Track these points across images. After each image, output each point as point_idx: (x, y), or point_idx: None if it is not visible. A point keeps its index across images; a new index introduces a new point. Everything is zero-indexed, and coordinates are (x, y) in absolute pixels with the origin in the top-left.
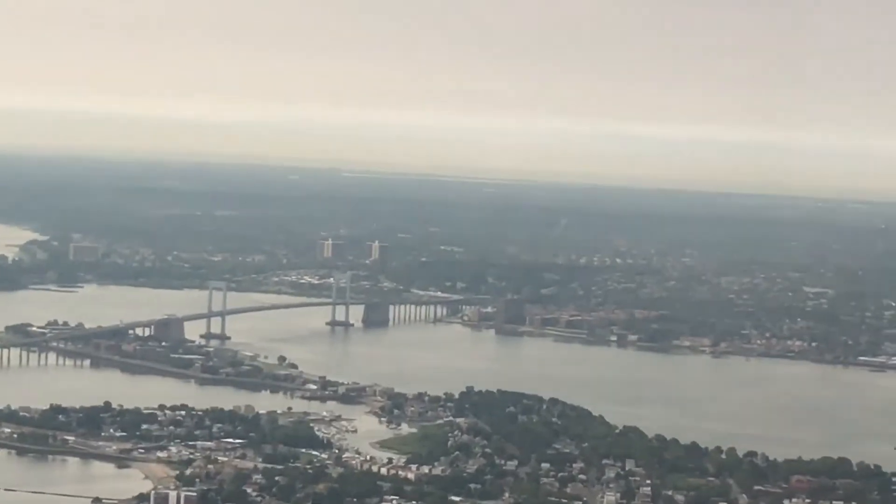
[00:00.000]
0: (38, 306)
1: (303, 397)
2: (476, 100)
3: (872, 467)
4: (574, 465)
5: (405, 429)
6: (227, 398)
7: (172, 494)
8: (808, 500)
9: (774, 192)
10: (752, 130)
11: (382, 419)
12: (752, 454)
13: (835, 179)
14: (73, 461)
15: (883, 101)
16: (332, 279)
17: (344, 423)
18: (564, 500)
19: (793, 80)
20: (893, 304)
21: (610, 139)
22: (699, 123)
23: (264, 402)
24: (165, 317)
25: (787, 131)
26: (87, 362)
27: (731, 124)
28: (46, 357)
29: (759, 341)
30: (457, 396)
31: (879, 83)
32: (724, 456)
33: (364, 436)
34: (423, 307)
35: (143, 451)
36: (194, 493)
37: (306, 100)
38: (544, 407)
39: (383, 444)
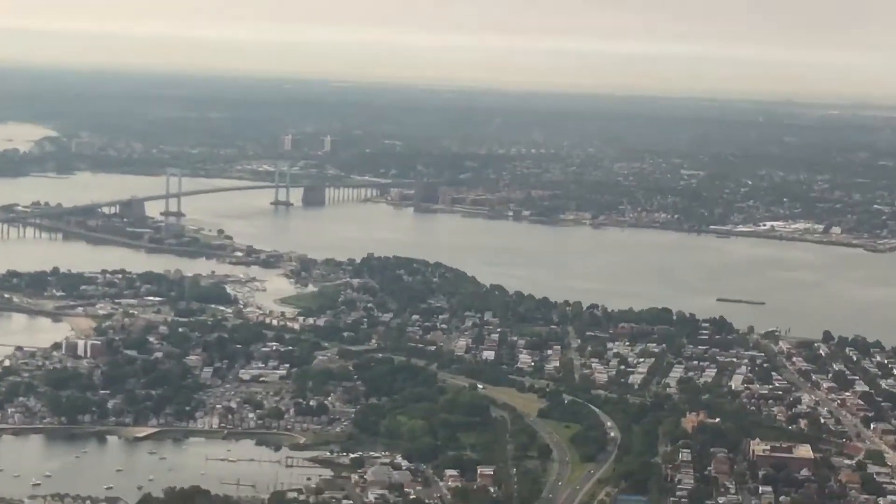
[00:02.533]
0: (31, 190)
1: (230, 262)
2: (446, 22)
3: (688, 315)
4: (440, 317)
5: (309, 288)
6: (167, 264)
7: (81, 343)
8: (627, 343)
9: (671, 94)
10: (655, 44)
11: (292, 280)
12: (593, 306)
13: (724, 82)
14: (18, 316)
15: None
16: (285, 167)
17: (256, 283)
18: (421, 345)
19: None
20: (749, 183)
21: (549, 54)
22: (617, 39)
23: (198, 267)
24: (129, 197)
25: (682, 43)
26: (59, 236)
27: (638, 40)
28: (25, 231)
29: (631, 214)
30: (358, 261)
31: None
32: (569, 308)
33: (271, 294)
34: (357, 190)
35: (78, 307)
36: (99, 342)
37: (303, 19)
38: (428, 270)
39: (284, 301)
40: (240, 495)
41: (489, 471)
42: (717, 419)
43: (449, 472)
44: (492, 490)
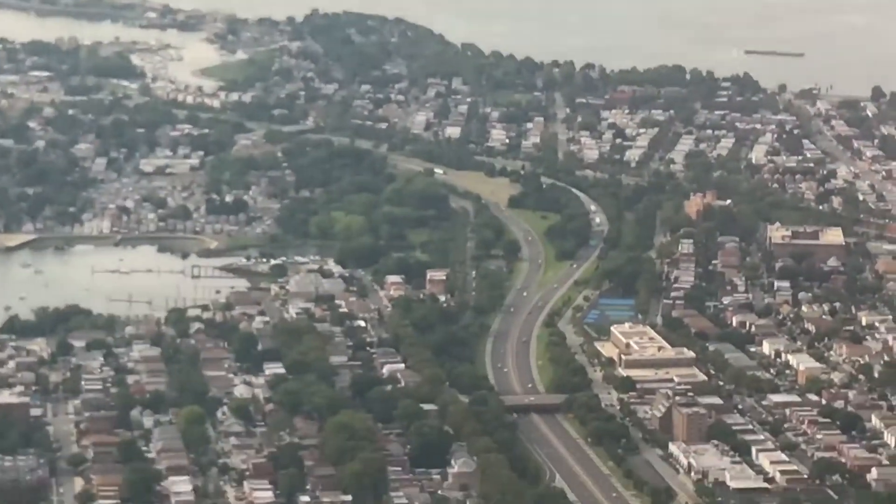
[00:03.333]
0: None
1: (140, 26)
2: None
3: (705, 74)
4: (396, 87)
5: (237, 56)
6: (61, 30)
7: None
8: (626, 111)
9: None
10: None
11: (216, 46)
12: (588, 67)
13: None
14: None
15: None
16: None
17: (171, 51)
18: (370, 122)
19: None
20: None
21: None
22: None
23: (99, 33)
24: None
25: None
26: None
27: None
28: None
29: None
30: (299, 20)
31: None
32: (557, 70)
33: (189, 64)
34: None
35: None
36: None
37: None
38: (386, 27)
39: (206, 73)
40: (130, 314)
41: (441, 276)
42: (729, 201)
43: (391, 278)
44: (442, 299)
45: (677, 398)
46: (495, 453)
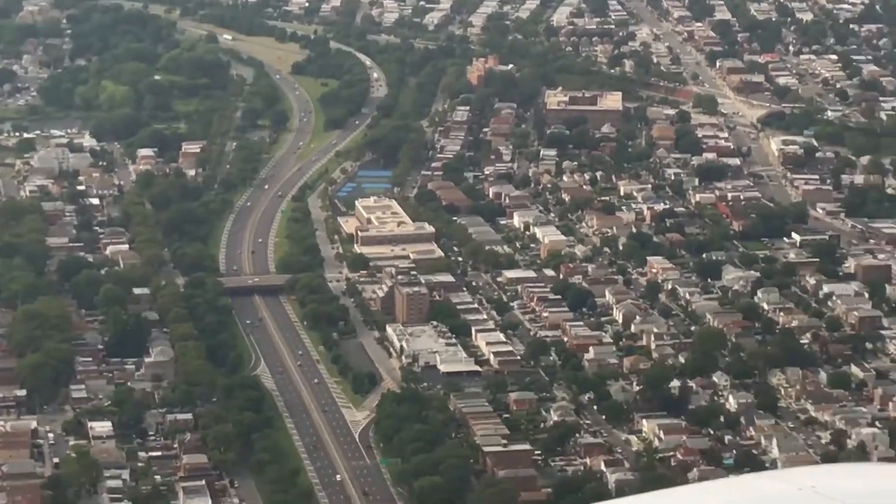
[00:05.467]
0: None
1: None
2: None
3: None
4: None
5: None
6: None
7: None
8: None
9: None
10: None
11: None
12: None
13: None
14: None
15: None
16: None
17: None
18: None
19: None
20: None
21: None
22: None
23: None
24: None
25: None
26: None
27: None
28: None
29: None
30: None
31: None
32: None
33: None
34: None
35: None
36: None
37: None
38: None
39: None
40: None
41: (195, 148)
42: (511, 65)
43: (143, 151)
44: (192, 173)
45: (399, 277)
46: (194, 340)
